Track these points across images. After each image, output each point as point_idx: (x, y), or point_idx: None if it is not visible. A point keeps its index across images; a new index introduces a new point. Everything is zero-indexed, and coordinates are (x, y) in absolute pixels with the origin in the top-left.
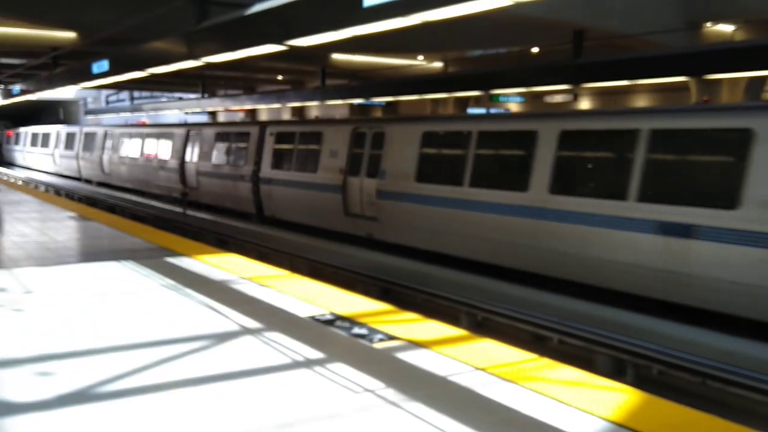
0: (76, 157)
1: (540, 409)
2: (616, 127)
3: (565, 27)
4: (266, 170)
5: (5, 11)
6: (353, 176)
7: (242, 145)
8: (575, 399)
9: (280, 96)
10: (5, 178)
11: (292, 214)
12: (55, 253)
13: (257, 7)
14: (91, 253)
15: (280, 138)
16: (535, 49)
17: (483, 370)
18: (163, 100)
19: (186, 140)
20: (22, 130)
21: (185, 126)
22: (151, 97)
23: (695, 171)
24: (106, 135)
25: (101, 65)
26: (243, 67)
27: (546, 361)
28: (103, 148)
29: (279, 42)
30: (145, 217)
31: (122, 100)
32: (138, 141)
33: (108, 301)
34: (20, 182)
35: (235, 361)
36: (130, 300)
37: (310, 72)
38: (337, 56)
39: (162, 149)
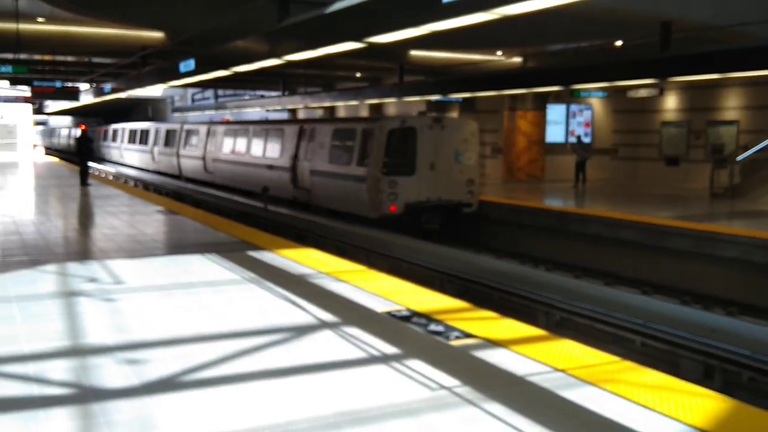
0: (176, 155)
1: (622, 413)
2: (348, 128)
3: (651, 19)
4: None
5: (97, 13)
6: (298, 161)
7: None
8: (659, 404)
9: (358, 93)
10: (96, 173)
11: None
12: (143, 245)
13: (337, 5)
14: (177, 245)
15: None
16: (618, 43)
17: (562, 371)
18: (246, 97)
19: (299, 137)
20: (119, 126)
21: (298, 122)
22: (234, 95)
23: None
24: (209, 132)
25: (188, 64)
26: (322, 65)
27: (628, 364)
28: (205, 145)
29: (358, 39)
30: (227, 212)
31: (207, 98)
32: (244, 138)
33: (193, 293)
34: (110, 177)
35: (313, 354)
36: (214, 292)
37: (388, 69)
38: (415, 52)
39: (271, 147)
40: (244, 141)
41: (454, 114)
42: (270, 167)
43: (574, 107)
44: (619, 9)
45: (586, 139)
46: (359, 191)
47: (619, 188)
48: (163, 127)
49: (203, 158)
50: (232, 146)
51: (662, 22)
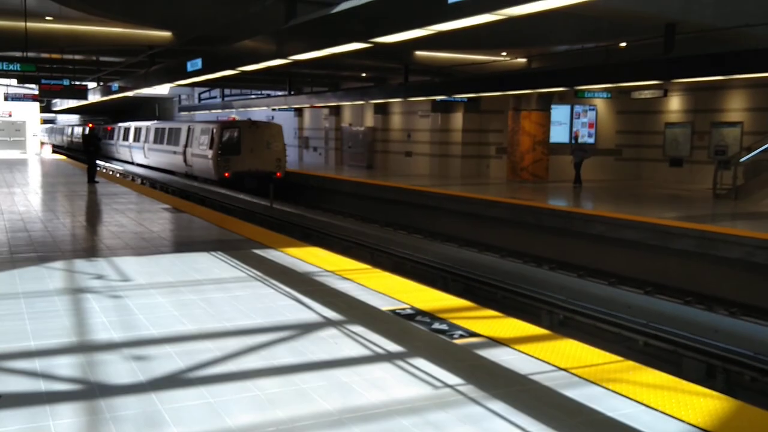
0: (129, 147)
1: (624, 413)
2: (207, 128)
3: (655, 21)
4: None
5: (106, 12)
6: (186, 148)
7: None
8: (662, 403)
9: (363, 93)
10: (104, 171)
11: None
12: (150, 242)
13: (343, 6)
14: (183, 243)
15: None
16: (622, 44)
17: (565, 370)
18: (252, 97)
19: (188, 134)
20: (141, 125)
21: (186, 123)
22: (241, 94)
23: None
24: (147, 129)
25: (195, 63)
26: (328, 65)
27: (631, 364)
28: (145, 138)
29: (364, 40)
30: (233, 210)
31: (214, 98)
32: (163, 134)
33: (199, 290)
34: (117, 175)
35: (318, 352)
36: (220, 289)
37: (394, 69)
38: (420, 53)
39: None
40: (164, 136)
41: (458, 113)
42: (174, 153)
43: (578, 108)
44: (623, 10)
45: (591, 140)
46: (209, 165)
47: (622, 189)
48: (128, 125)
49: (143, 148)
50: (158, 139)
51: (667, 23)
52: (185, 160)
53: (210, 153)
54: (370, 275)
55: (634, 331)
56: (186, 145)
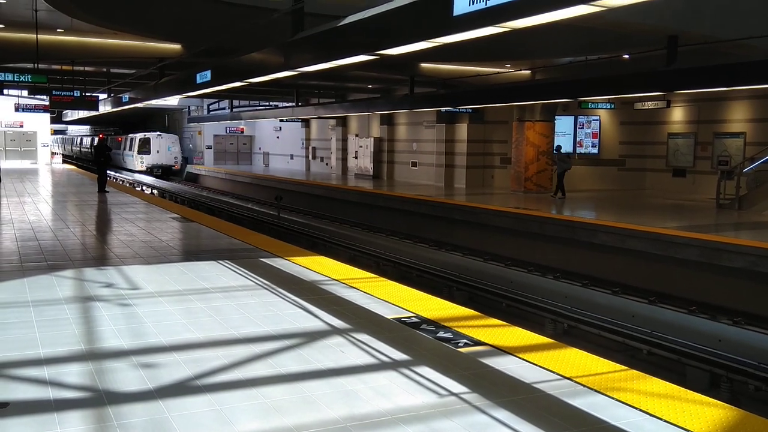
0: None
1: (628, 421)
2: (133, 137)
3: (657, 33)
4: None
5: (117, 25)
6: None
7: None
8: (666, 412)
9: (369, 104)
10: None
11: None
12: (159, 251)
13: (350, 19)
14: (192, 252)
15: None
16: (625, 56)
17: (570, 378)
18: (260, 108)
19: (124, 140)
20: (131, 136)
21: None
22: (249, 105)
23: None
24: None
25: (204, 75)
26: (335, 76)
27: (635, 373)
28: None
29: (370, 52)
30: (241, 219)
31: (223, 109)
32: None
33: (207, 298)
34: (127, 184)
35: (324, 360)
36: (227, 297)
37: (400, 80)
38: (425, 65)
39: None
40: (124, 144)
41: (463, 124)
42: (123, 155)
43: (582, 118)
44: (626, 23)
45: (594, 150)
46: (132, 160)
47: (626, 198)
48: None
49: (72, 145)
50: (122, 146)
51: (669, 35)
52: (123, 159)
53: (133, 153)
54: (376, 284)
55: (639, 340)
56: (127, 149)
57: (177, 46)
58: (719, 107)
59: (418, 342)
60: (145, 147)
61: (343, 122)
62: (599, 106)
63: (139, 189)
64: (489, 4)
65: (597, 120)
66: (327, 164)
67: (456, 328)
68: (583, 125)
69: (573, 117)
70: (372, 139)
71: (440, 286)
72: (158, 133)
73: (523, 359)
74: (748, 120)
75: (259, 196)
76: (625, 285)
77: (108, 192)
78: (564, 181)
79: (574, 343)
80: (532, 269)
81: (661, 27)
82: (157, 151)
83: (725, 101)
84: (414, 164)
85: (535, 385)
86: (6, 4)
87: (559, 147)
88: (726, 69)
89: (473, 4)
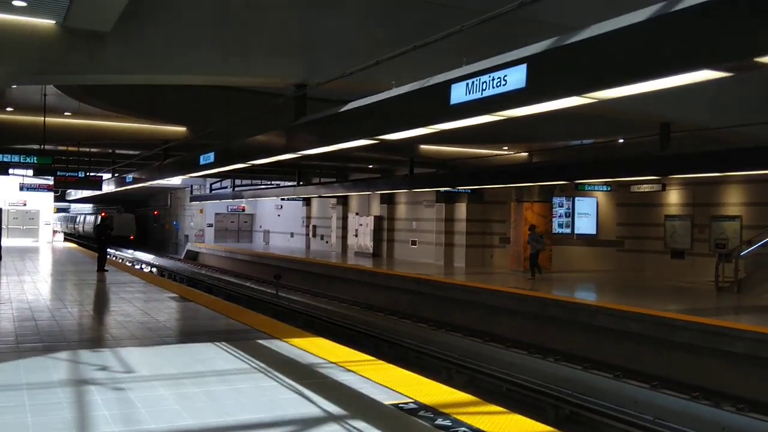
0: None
1: None
2: (93, 213)
3: (651, 119)
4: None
5: (124, 109)
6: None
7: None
8: None
9: (370, 184)
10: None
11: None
12: (155, 332)
13: (351, 105)
14: (189, 333)
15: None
16: (620, 140)
17: None
18: (262, 187)
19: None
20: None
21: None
22: (251, 184)
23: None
24: (74, 215)
25: (208, 157)
26: (336, 157)
27: None
28: (75, 219)
29: (371, 136)
30: (240, 298)
31: (225, 187)
32: (83, 216)
33: (202, 382)
34: (128, 263)
35: None
36: (223, 381)
37: (400, 161)
38: (425, 147)
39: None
40: (82, 217)
41: (462, 204)
42: (87, 223)
43: (579, 200)
44: (620, 110)
45: (593, 232)
46: (93, 230)
47: (625, 280)
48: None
49: (75, 224)
50: (79, 220)
51: (662, 122)
52: (85, 229)
53: (93, 226)
54: (374, 367)
55: (641, 428)
56: (84, 222)
57: (182, 129)
58: (715, 191)
59: (416, 430)
60: (103, 222)
61: (343, 201)
62: (596, 188)
63: (138, 267)
64: (485, 94)
65: (594, 201)
66: (327, 242)
67: (455, 415)
68: (561, 206)
69: (571, 198)
70: (372, 217)
71: (439, 368)
72: (116, 210)
73: None
74: (744, 203)
75: (258, 274)
76: (625, 369)
77: (107, 271)
78: (535, 261)
79: (577, 430)
80: (533, 351)
81: (655, 115)
82: (116, 226)
83: (721, 185)
84: (414, 243)
85: None
86: (17, 89)
87: (533, 227)
88: (719, 155)
89: (469, 93)
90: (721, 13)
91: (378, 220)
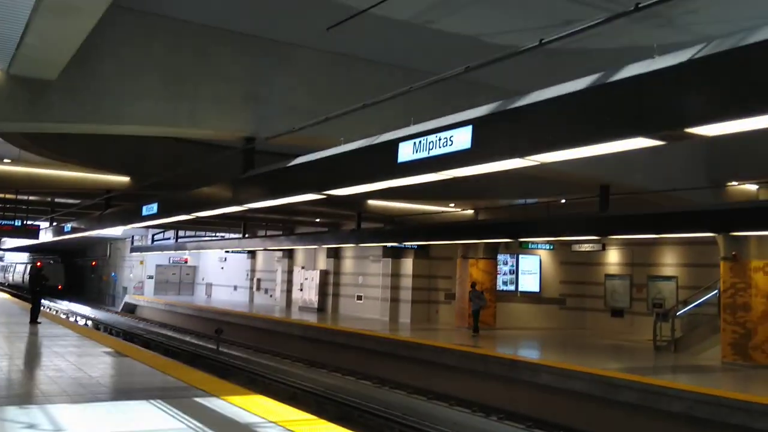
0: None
1: None
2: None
3: (591, 181)
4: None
5: (67, 157)
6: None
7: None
8: None
9: (316, 237)
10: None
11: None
12: (88, 389)
13: (299, 160)
14: (123, 390)
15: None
16: (562, 200)
17: None
18: (206, 239)
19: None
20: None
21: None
22: (195, 235)
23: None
24: (11, 265)
25: (150, 208)
26: (283, 210)
27: None
28: (14, 269)
29: (319, 191)
30: (179, 353)
31: (168, 238)
32: (22, 266)
33: None
34: (62, 315)
35: None
36: None
37: (347, 215)
38: (372, 202)
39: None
40: (15, 266)
41: (409, 259)
42: (24, 273)
43: (523, 258)
44: (561, 172)
45: (536, 289)
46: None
47: (566, 338)
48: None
49: (5, 273)
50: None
51: (601, 185)
52: (23, 280)
53: (26, 276)
54: (314, 427)
55: None
56: (23, 272)
57: (125, 179)
58: (652, 251)
59: None
60: (34, 271)
61: (289, 254)
62: (539, 247)
63: (73, 320)
64: (431, 153)
65: (538, 259)
66: (271, 296)
67: None
68: (524, 264)
69: (515, 256)
70: (318, 271)
71: (382, 428)
72: (50, 260)
73: None
74: (679, 264)
75: (198, 329)
76: (569, 428)
77: (41, 323)
78: (476, 319)
79: None
80: (476, 410)
81: (595, 177)
82: (48, 277)
83: (657, 246)
84: (359, 297)
85: None
86: None
87: (473, 284)
88: (652, 218)
89: (417, 152)
90: (652, 85)
91: (324, 274)
